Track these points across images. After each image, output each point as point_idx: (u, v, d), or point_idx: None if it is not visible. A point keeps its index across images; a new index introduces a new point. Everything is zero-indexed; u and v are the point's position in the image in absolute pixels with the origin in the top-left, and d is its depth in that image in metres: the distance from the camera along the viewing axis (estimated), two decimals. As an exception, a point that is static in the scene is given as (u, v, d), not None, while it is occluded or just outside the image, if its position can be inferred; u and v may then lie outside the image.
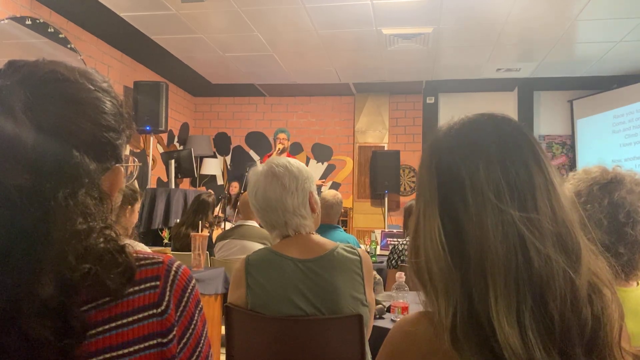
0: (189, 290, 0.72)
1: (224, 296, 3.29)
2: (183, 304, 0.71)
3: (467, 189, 0.70)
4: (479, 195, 0.69)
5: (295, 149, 7.55)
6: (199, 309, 0.74)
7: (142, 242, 2.67)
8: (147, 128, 5.73)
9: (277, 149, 5.94)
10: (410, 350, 0.74)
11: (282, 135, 6.05)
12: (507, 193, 0.69)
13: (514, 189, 0.69)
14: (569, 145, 7.09)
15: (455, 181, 0.72)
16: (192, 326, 0.72)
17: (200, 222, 4.01)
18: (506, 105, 7.16)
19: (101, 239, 0.65)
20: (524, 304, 0.65)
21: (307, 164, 6.35)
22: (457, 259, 0.69)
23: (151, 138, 6.09)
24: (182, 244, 4.04)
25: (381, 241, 4.98)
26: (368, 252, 3.82)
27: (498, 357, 0.65)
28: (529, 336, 0.64)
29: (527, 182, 0.70)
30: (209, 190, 6.13)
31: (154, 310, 0.68)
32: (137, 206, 2.48)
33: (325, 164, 7.82)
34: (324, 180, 7.01)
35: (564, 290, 0.66)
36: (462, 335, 0.66)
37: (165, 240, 4.40)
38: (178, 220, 4.48)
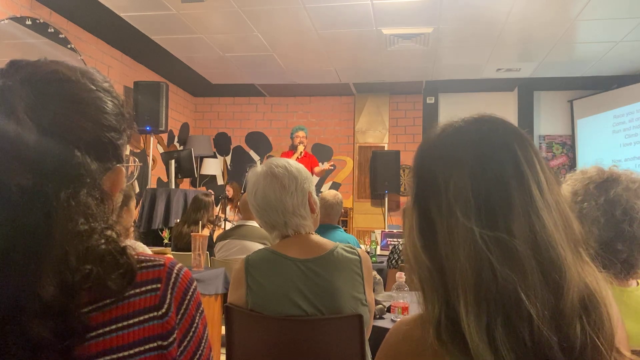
0: (189, 293, 0.72)
1: (224, 296, 3.29)
2: (184, 307, 0.71)
3: (442, 200, 0.70)
4: (450, 207, 0.69)
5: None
6: (199, 311, 0.74)
7: (142, 242, 2.67)
8: (147, 128, 5.73)
9: (299, 151, 5.86)
10: (407, 351, 0.75)
11: (301, 134, 5.97)
12: (473, 210, 0.68)
13: (481, 206, 0.68)
14: (569, 145, 7.10)
15: (432, 187, 0.71)
16: (193, 329, 0.72)
17: (200, 220, 4.02)
18: (506, 106, 7.17)
19: (102, 240, 0.65)
20: (496, 320, 0.64)
21: (307, 164, 6.34)
22: (436, 265, 0.69)
23: (151, 138, 6.09)
24: (184, 243, 4.04)
25: (381, 241, 4.98)
26: (368, 252, 3.83)
27: None
28: (501, 352, 0.63)
29: (501, 201, 0.68)
30: (209, 191, 6.13)
31: (155, 313, 0.68)
32: (133, 204, 2.47)
33: (326, 164, 7.82)
34: (330, 163, 6.64)
35: (538, 311, 0.64)
36: (445, 334, 0.68)
37: (166, 241, 4.40)
38: (178, 220, 4.48)
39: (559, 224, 0.69)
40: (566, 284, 0.66)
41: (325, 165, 6.27)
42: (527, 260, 0.66)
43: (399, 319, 0.82)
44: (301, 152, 5.89)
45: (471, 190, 0.68)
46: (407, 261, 0.76)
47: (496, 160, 0.70)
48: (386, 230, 5.55)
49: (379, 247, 4.85)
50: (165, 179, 6.80)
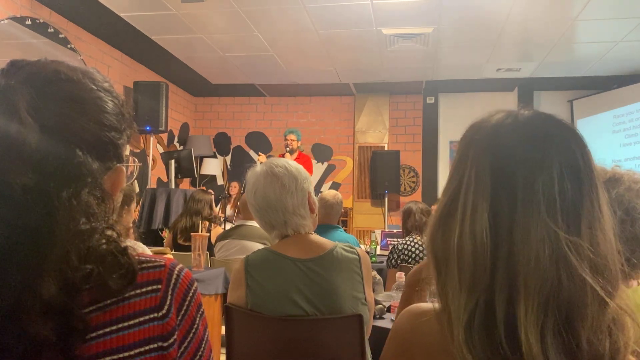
0: (190, 295, 0.72)
1: (224, 296, 3.29)
2: (184, 308, 0.71)
3: (518, 194, 0.69)
4: (529, 205, 0.68)
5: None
6: (200, 313, 0.74)
7: (142, 242, 2.67)
8: (147, 128, 5.73)
9: (288, 152, 5.84)
10: (419, 342, 0.74)
11: (291, 137, 5.93)
12: (559, 211, 0.68)
13: (564, 207, 0.68)
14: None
15: (508, 183, 0.70)
16: (193, 330, 0.72)
17: (202, 212, 4.02)
18: (506, 106, 7.05)
19: (103, 240, 0.65)
20: (549, 324, 0.64)
21: (307, 164, 6.31)
22: (491, 259, 0.68)
23: (151, 138, 6.09)
24: (187, 236, 4.03)
25: (381, 241, 4.98)
26: (368, 252, 3.83)
27: None
28: (551, 357, 0.63)
29: (576, 203, 0.69)
30: (202, 187, 6.11)
31: (155, 314, 0.68)
32: (133, 206, 2.48)
33: (326, 164, 7.82)
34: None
35: (595, 317, 0.65)
36: (477, 334, 0.66)
37: (165, 240, 4.39)
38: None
39: (614, 240, 0.70)
40: (615, 295, 0.67)
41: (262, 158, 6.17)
42: (590, 264, 0.67)
43: (409, 308, 0.80)
44: (291, 153, 5.89)
45: (557, 192, 0.68)
46: (441, 251, 0.73)
47: (577, 163, 0.71)
48: (386, 230, 5.55)
49: (378, 247, 4.86)
50: (165, 179, 6.80)
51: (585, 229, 0.68)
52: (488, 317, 0.66)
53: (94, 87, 0.71)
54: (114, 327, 0.65)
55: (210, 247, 3.79)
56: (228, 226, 4.50)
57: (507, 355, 0.65)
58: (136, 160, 0.82)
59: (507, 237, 0.68)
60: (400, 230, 4.02)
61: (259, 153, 6.38)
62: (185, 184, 7.72)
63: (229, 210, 6.59)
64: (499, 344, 0.65)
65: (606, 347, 0.66)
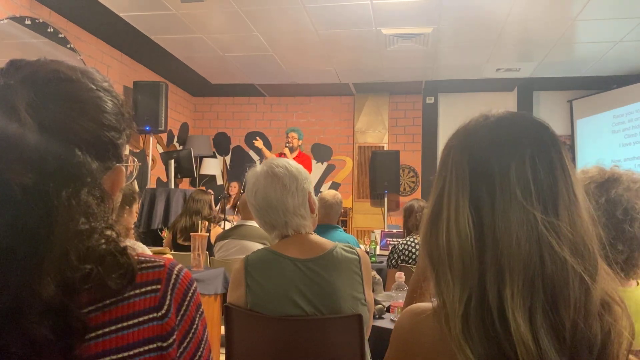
0: (189, 295, 0.72)
1: (224, 296, 3.29)
2: (184, 308, 0.71)
3: (496, 184, 0.72)
4: (506, 192, 0.72)
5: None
6: (199, 313, 0.73)
7: (142, 242, 2.67)
8: (147, 128, 5.73)
9: (287, 152, 5.89)
10: (419, 341, 0.75)
11: (292, 134, 5.97)
12: (534, 194, 0.71)
13: (540, 191, 0.71)
14: (568, 146, 7.09)
15: (485, 175, 0.74)
16: (193, 330, 0.72)
17: (202, 212, 4.02)
18: (506, 106, 7.16)
19: (102, 240, 0.65)
20: (537, 305, 0.67)
21: (306, 164, 6.30)
22: (478, 249, 0.71)
23: (151, 138, 6.08)
24: (186, 236, 4.03)
25: (381, 241, 4.98)
26: (368, 252, 3.83)
27: (504, 351, 0.66)
28: (541, 337, 0.65)
29: (552, 188, 0.72)
30: (201, 187, 6.11)
31: (155, 314, 0.68)
32: (135, 207, 2.48)
33: (325, 164, 7.82)
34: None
35: (579, 299, 0.67)
36: (473, 323, 0.68)
37: (165, 240, 4.39)
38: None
39: (589, 219, 0.73)
40: (598, 277, 0.69)
41: (260, 144, 6.27)
42: (570, 245, 0.69)
43: (411, 306, 0.82)
44: (291, 150, 5.92)
45: (530, 176, 0.72)
46: (434, 248, 0.76)
47: (547, 149, 0.75)
48: (386, 230, 5.55)
49: (378, 247, 4.85)
50: (164, 179, 6.80)
51: (563, 211, 0.71)
52: (482, 305, 0.69)
53: (93, 86, 0.71)
54: (113, 327, 0.65)
55: (210, 247, 3.80)
56: (227, 226, 4.50)
57: (501, 339, 0.66)
58: (136, 160, 0.82)
59: (490, 225, 0.71)
60: (400, 230, 4.02)
61: (257, 138, 6.43)
62: (185, 184, 7.72)
63: (228, 210, 6.59)
64: (493, 328, 0.67)
65: (597, 332, 0.67)
